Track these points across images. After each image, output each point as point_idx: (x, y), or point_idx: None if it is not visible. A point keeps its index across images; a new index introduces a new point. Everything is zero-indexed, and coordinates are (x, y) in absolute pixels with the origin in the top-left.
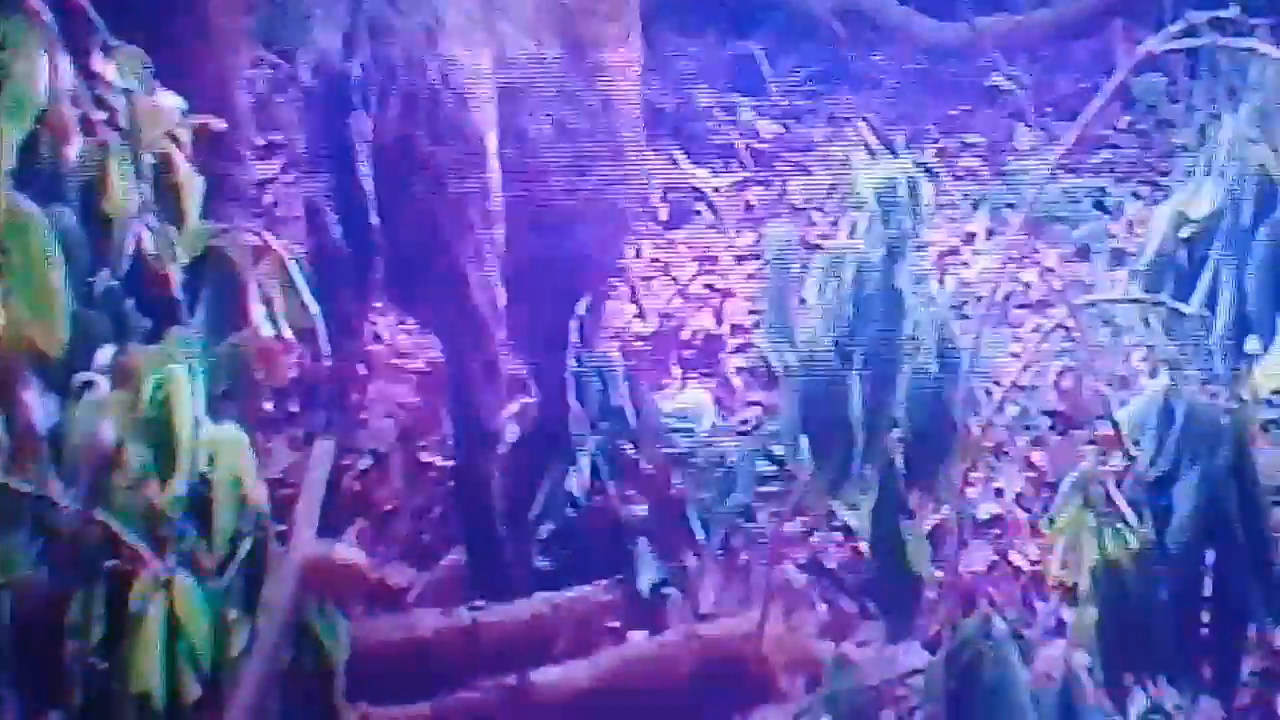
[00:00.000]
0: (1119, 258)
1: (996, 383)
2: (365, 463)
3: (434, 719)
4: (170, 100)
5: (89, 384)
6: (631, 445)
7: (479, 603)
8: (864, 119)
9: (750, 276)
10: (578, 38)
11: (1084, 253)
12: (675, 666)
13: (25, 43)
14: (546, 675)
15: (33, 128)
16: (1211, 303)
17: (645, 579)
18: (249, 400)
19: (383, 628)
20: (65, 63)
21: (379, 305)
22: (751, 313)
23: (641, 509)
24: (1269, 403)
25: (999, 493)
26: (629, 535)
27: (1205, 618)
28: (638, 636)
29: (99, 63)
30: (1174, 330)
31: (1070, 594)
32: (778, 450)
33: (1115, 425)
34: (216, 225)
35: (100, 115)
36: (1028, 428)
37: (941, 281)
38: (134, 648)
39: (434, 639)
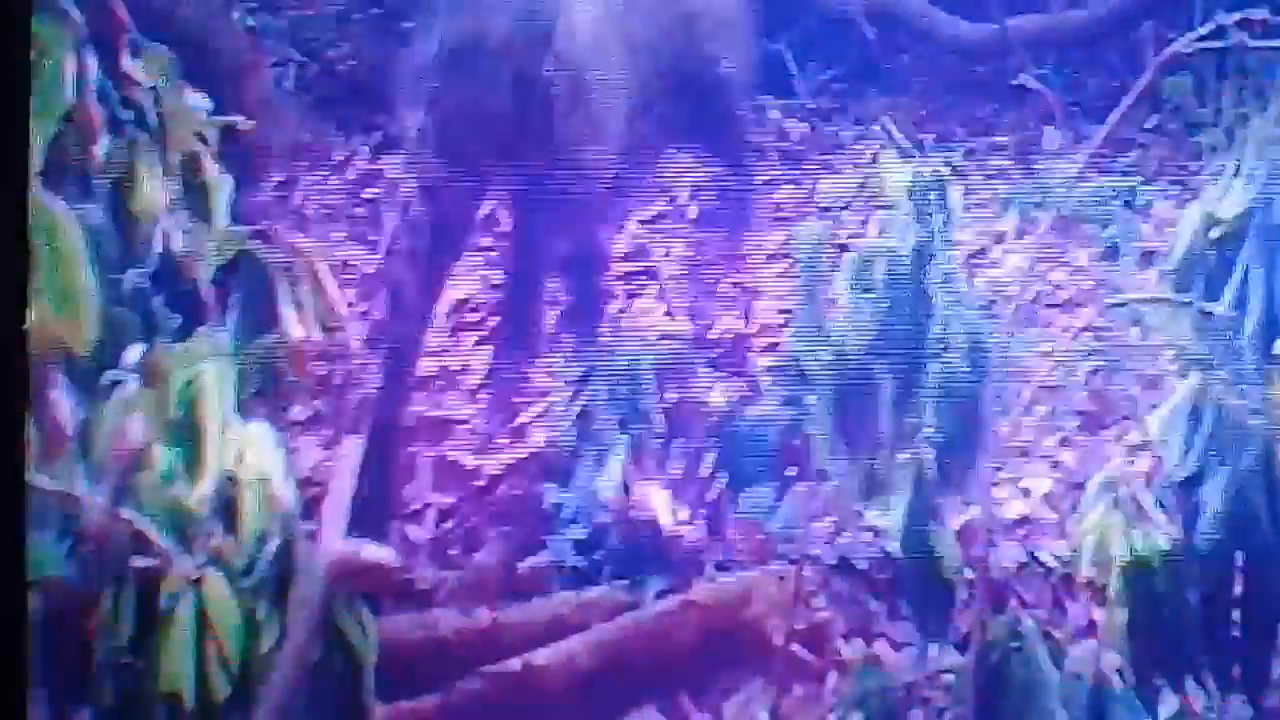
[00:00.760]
0: (1148, 258)
1: (1026, 382)
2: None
3: (442, 708)
4: (198, 100)
5: (118, 382)
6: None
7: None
8: (893, 119)
9: (780, 276)
10: None
11: (1113, 253)
12: (674, 636)
13: (54, 42)
14: (547, 656)
15: (61, 126)
16: (1241, 303)
17: (653, 585)
18: (278, 400)
19: (403, 626)
20: (93, 62)
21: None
22: (781, 312)
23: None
24: None
25: (1027, 492)
26: (653, 536)
27: (1235, 618)
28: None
29: (127, 62)
30: (1203, 331)
31: (1100, 594)
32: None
33: (1144, 425)
34: (246, 226)
35: (128, 114)
36: (1057, 428)
37: (971, 281)
38: (163, 646)
39: (454, 638)
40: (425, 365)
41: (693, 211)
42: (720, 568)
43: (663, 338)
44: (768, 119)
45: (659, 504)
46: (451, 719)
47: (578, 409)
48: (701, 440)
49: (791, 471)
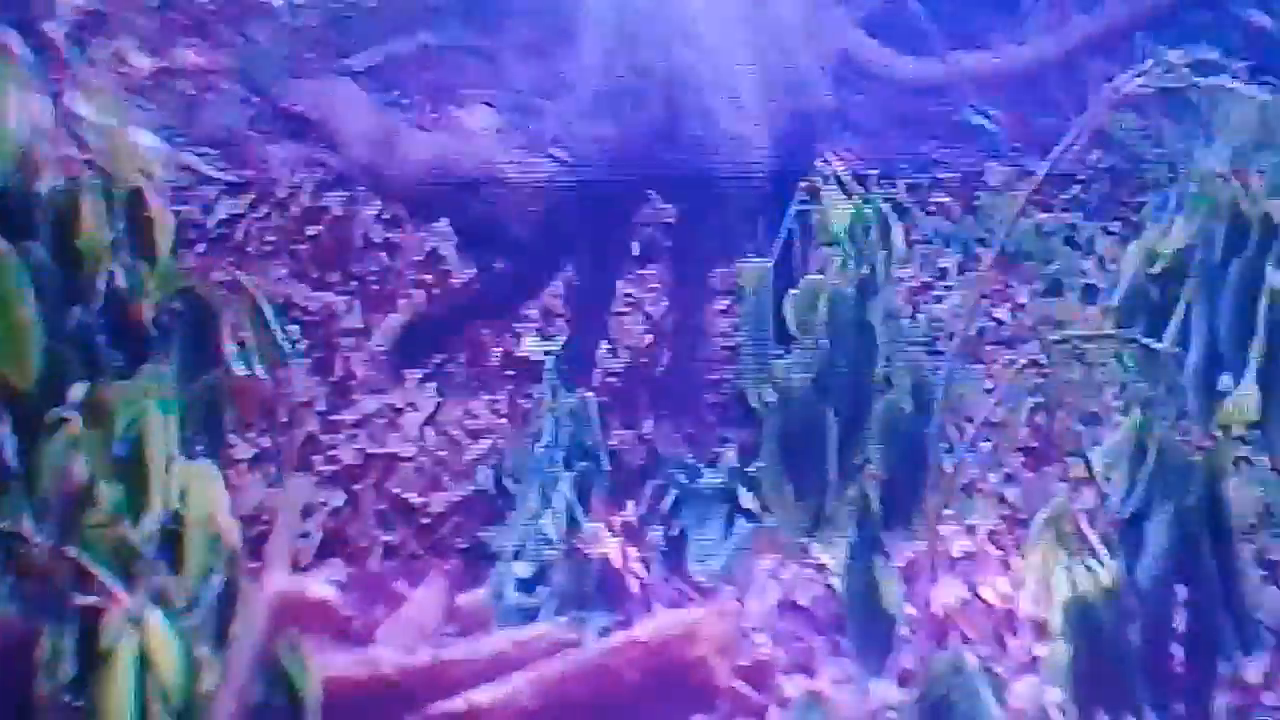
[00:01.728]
0: (1091, 294)
1: (969, 419)
2: (338, 500)
3: None
4: (144, 137)
5: (61, 420)
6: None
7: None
8: (837, 154)
9: (723, 312)
10: None
11: (1056, 289)
12: (617, 674)
13: (0, 79)
14: (490, 694)
15: (6, 164)
16: (1184, 340)
17: (596, 622)
18: (221, 437)
19: (346, 664)
20: (40, 100)
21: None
22: (725, 348)
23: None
24: (1240, 440)
25: (971, 529)
26: (600, 573)
27: (1178, 653)
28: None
29: (74, 100)
30: (1146, 367)
31: (1042, 630)
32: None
33: (1087, 462)
34: (189, 263)
35: (74, 151)
36: (1000, 464)
37: (914, 317)
38: (105, 685)
39: (397, 676)
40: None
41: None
42: (665, 605)
43: (608, 374)
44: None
45: (607, 542)
46: None
47: (524, 445)
48: (647, 477)
49: (736, 507)
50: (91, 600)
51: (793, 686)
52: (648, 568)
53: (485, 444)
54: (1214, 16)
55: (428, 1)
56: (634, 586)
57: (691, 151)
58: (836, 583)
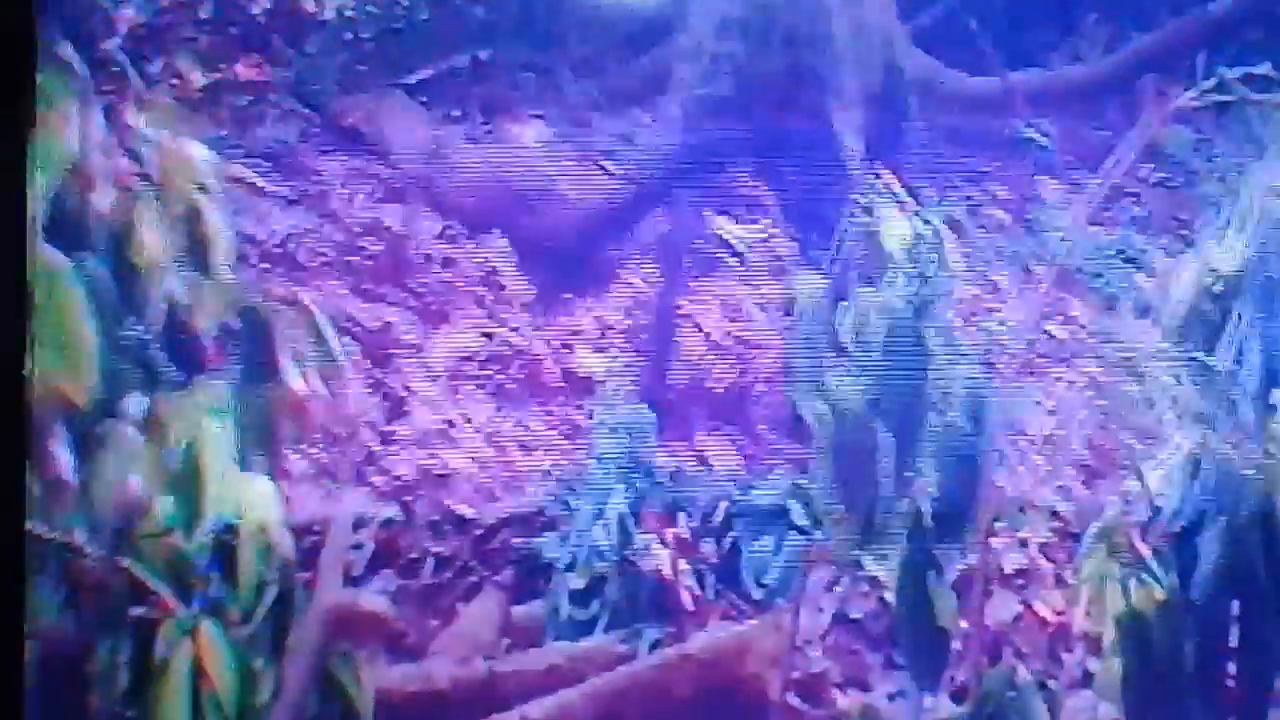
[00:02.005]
0: (1146, 311)
1: (1023, 434)
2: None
3: None
4: (199, 150)
5: (117, 433)
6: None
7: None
8: (893, 172)
9: (779, 328)
10: None
11: (1112, 305)
12: (670, 688)
13: (57, 94)
14: (543, 707)
15: (63, 178)
16: (1239, 356)
17: (649, 636)
18: (277, 450)
19: (399, 677)
20: (97, 114)
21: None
22: (780, 364)
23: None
24: None
25: (1024, 544)
26: (653, 586)
27: (1231, 669)
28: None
29: (131, 114)
30: (1201, 383)
31: (1096, 645)
32: (806, 501)
33: (1141, 477)
34: (246, 277)
35: (131, 166)
36: (1055, 479)
37: (969, 334)
38: (160, 696)
39: (450, 689)
40: (425, 417)
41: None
42: (718, 619)
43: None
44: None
45: (660, 555)
46: None
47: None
48: (702, 492)
49: (790, 522)
50: (146, 611)
51: (846, 700)
52: (701, 582)
53: (539, 457)
54: (1268, 33)
55: (481, 16)
56: (687, 601)
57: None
58: (890, 597)
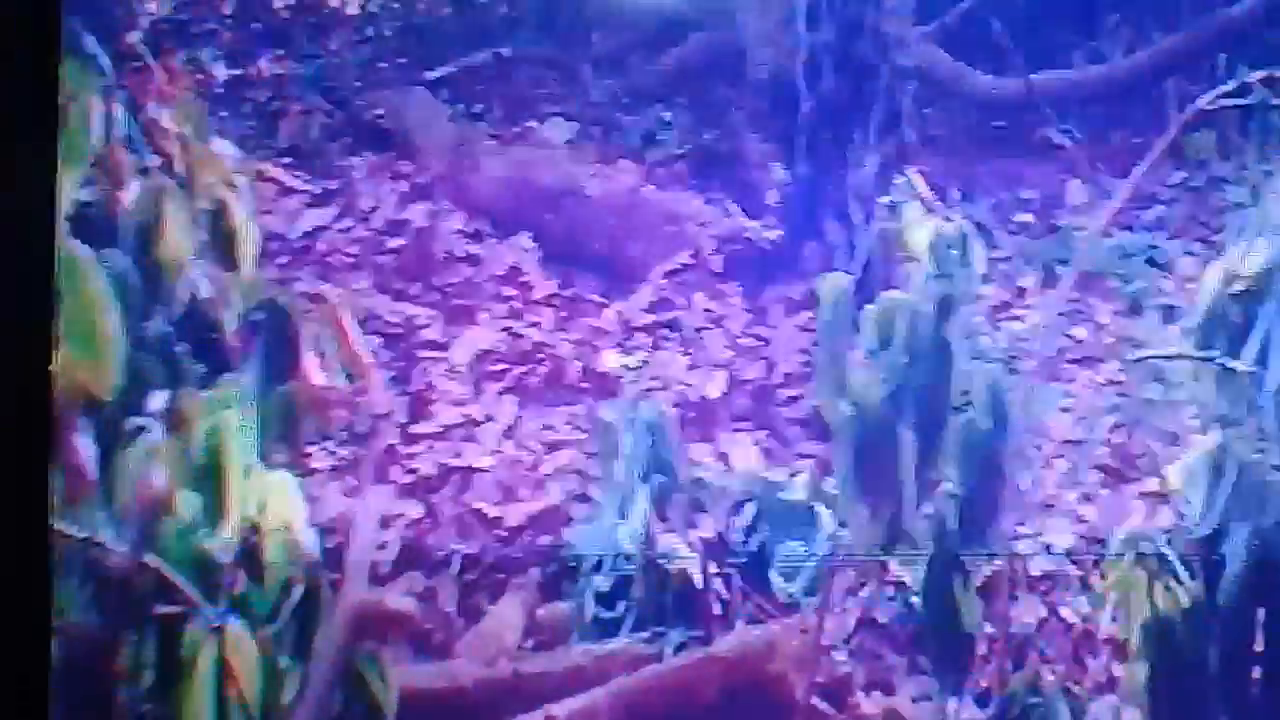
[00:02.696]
0: (1171, 314)
1: (1047, 437)
2: (417, 511)
3: None
4: (224, 146)
5: (141, 429)
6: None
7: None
8: (918, 173)
9: (802, 328)
10: None
11: (1136, 308)
12: (695, 689)
13: (82, 88)
14: (568, 708)
15: (88, 172)
16: (1263, 359)
17: (674, 638)
18: (301, 447)
19: (424, 676)
20: (120, 109)
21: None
22: (804, 364)
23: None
24: None
25: (1049, 548)
26: (678, 588)
27: (1256, 673)
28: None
29: (154, 109)
30: (1225, 386)
31: (1121, 650)
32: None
33: (1165, 481)
34: (271, 273)
35: (155, 161)
36: (1078, 483)
37: (994, 336)
38: (185, 694)
39: (474, 689)
40: (448, 414)
41: (716, 264)
42: (744, 621)
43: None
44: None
45: (685, 556)
46: None
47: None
48: (725, 492)
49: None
50: (171, 609)
51: (871, 704)
52: (727, 583)
53: (564, 456)
54: None
55: (503, 13)
56: (713, 602)
57: None
58: (915, 600)
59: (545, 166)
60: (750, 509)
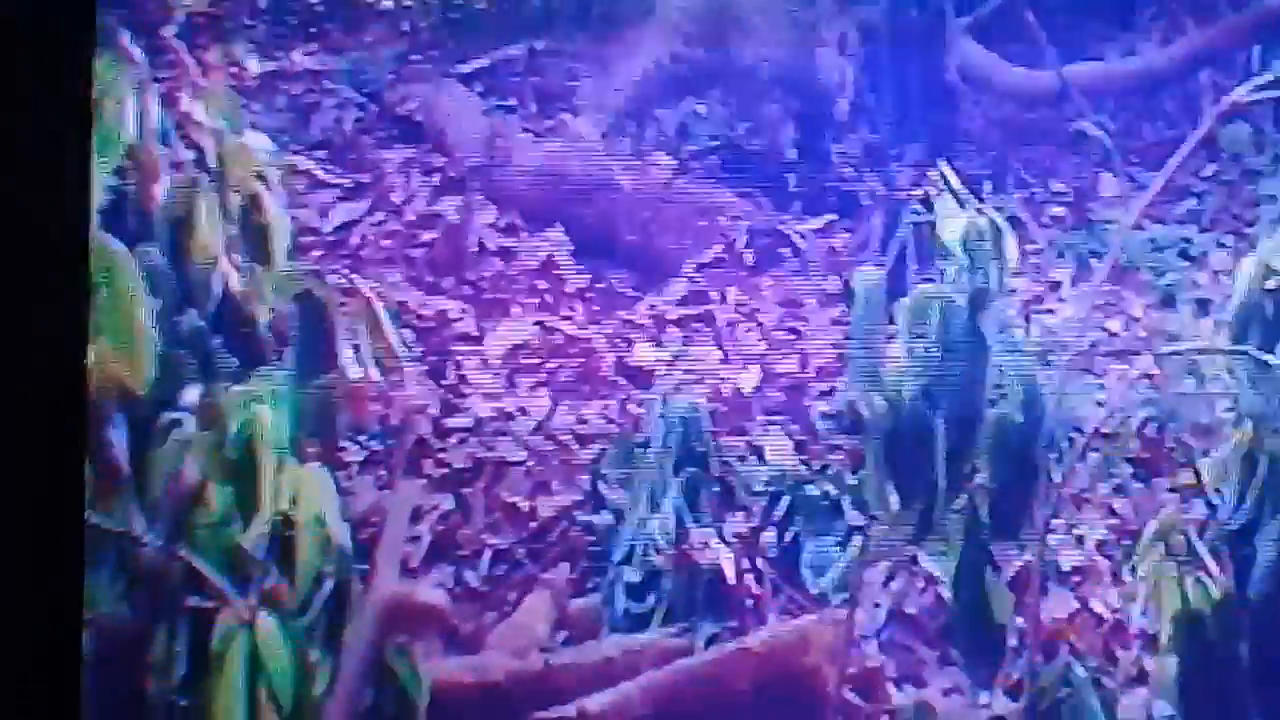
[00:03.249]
0: (1204, 307)
1: (1079, 430)
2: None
3: None
4: (258, 140)
5: (175, 422)
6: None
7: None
8: (951, 165)
9: (835, 321)
10: None
11: (1169, 302)
12: (728, 682)
13: (115, 82)
14: (600, 701)
15: (122, 166)
16: None
17: (705, 631)
18: (334, 441)
19: (455, 669)
20: (154, 102)
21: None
22: (837, 358)
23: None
24: None
25: (1080, 540)
26: (710, 581)
27: None
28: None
29: (188, 102)
30: (1258, 380)
31: (1152, 643)
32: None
33: (1198, 474)
34: (304, 267)
35: (189, 155)
36: (1110, 475)
37: (1026, 329)
38: (216, 686)
39: (506, 682)
40: (481, 408)
41: (749, 258)
42: (776, 614)
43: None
44: (827, 164)
45: (716, 549)
46: None
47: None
48: (757, 485)
49: (845, 517)
50: (203, 602)
51: (902, 696)
52: (758, 577)
53: (596, 449)
54: None
55: (537, 6)
56: (744, 595)
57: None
58: (946, 593)
59: (578, 160)
60: (783, 502)
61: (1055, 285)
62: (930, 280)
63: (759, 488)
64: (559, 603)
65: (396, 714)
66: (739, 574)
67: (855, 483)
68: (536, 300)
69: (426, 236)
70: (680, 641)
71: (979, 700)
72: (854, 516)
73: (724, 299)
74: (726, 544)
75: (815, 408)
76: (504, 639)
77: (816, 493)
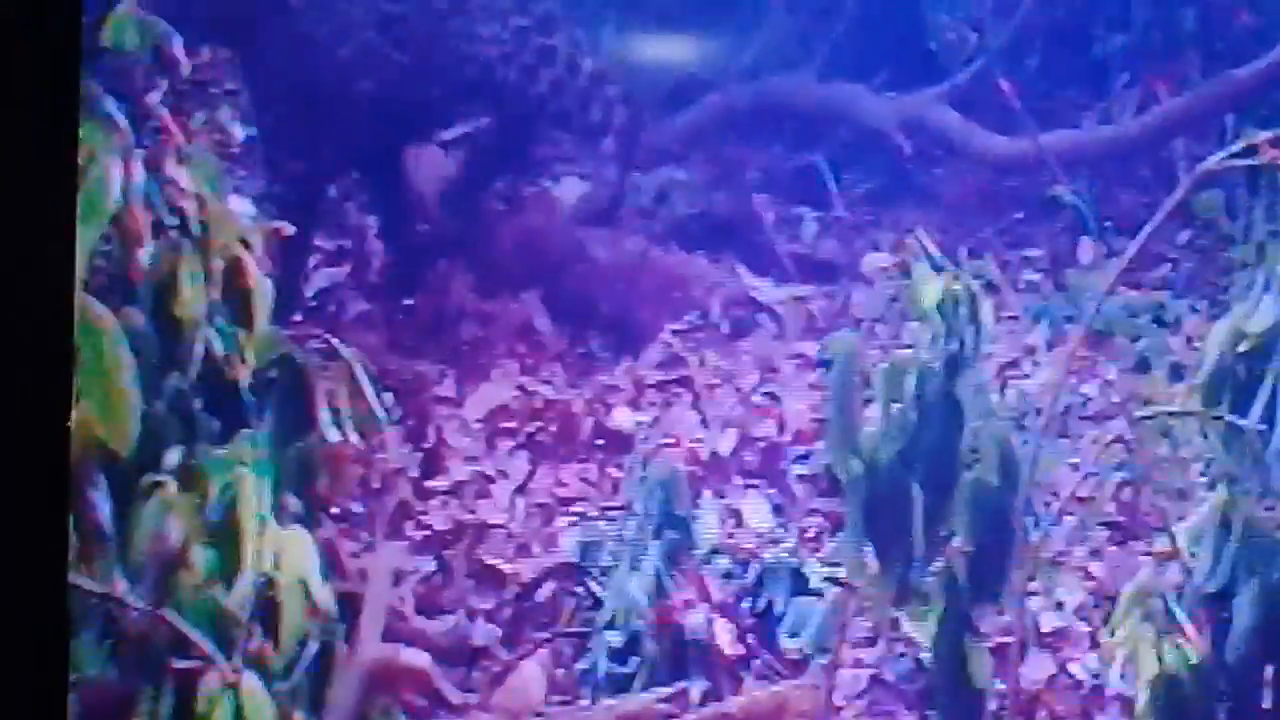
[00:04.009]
0: (1178, 371)
1: (1055, 494)
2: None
3: None
4: (241, 205)
5: (157, 485)
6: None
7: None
8: (926, 231)
9: (812, 386)
10: None
11: (1143, 366)
12: None
13: (100, 147)
14: None
15: (106, 231)
16: (1270, 417)
17: (696, 688)
18: (315, 503)
19: None
20: (139, 167)
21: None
22: (814, 421)
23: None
24: None
25: (1060, 605)
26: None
27: None
28: None
29: (172, 167)
30: (1232, 444)
31: (1129, 707)
32: (839, 559)
33: (1173, 538)
34: (285, 331)
35: (172, 219)
36: (1086, 539)
37: (1002, 393)
38: None
39: None
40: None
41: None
42: (754, 678)
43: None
44: (802, 230)
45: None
46: None
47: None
48: (735, 550)
49: (824, 580)
50: (187, 664)
51: None
52: (738, 640)
53: (575, 513)
54: None
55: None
56: (723, 659)
57: None
58: (925, 656)
59: (556, 226)
60: (761, 566)
61: (1030, 350)
62: (907, 346)
63: (737, 551)
64: (544, 667)
65: None
66: (718, 637)
67: (833, 545)
68: (515, 364)
69: (407, 301)
70: (669, 705)
71: None
72: (832, 580)
73: (702, 363)
74: (706, 608)
75: (793, 471)
76: (499, 704)
77: (794, 556)
